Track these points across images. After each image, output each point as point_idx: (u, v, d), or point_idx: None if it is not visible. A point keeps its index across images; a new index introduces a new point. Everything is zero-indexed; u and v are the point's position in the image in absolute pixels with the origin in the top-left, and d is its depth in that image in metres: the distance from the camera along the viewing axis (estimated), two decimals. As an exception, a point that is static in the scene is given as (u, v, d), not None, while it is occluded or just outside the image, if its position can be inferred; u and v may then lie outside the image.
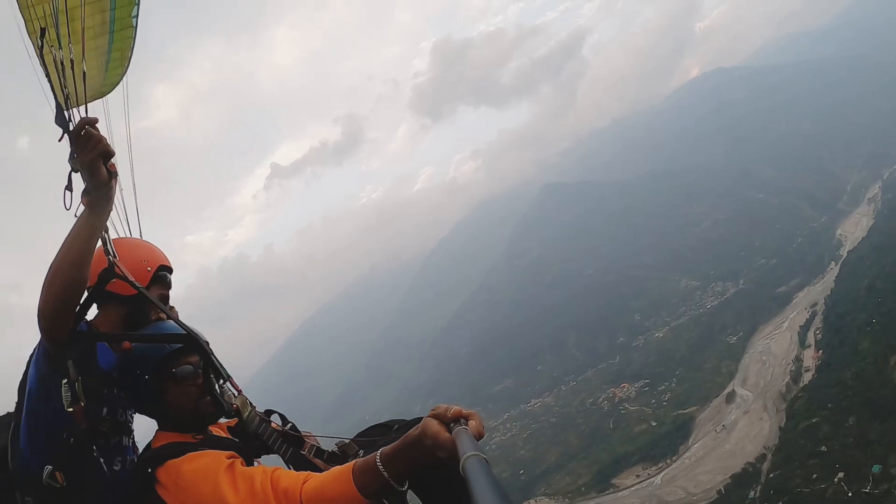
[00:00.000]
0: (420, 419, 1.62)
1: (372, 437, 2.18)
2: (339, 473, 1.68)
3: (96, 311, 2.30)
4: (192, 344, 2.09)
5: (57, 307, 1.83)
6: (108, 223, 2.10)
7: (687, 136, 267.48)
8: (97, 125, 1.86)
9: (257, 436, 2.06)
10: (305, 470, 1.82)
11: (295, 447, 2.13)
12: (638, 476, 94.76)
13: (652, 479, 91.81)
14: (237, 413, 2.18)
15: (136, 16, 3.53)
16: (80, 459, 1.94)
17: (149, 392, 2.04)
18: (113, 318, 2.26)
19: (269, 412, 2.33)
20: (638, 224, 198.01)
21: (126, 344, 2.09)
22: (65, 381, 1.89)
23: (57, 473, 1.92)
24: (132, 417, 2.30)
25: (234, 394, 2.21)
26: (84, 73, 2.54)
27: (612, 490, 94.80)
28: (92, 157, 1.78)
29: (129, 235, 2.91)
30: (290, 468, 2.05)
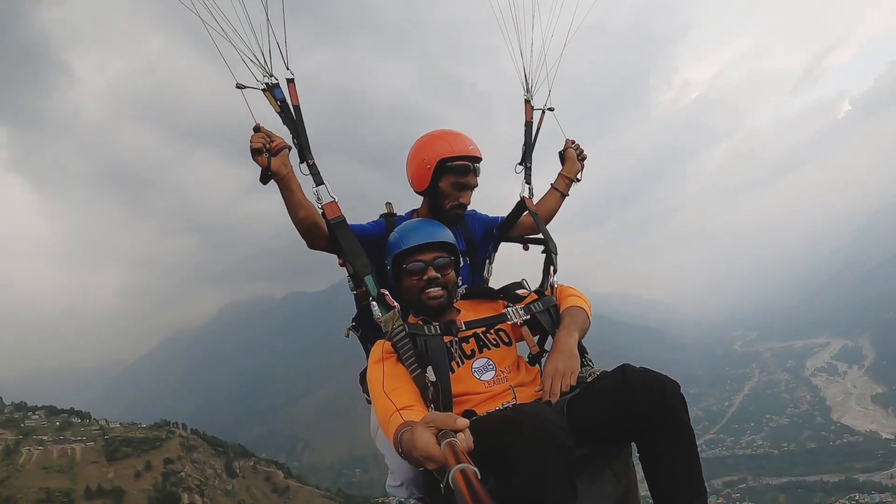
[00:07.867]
0: (629, 368, 1.82)
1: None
2: (399, 422, 1.78)
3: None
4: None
5: (303, 236, 2.56)
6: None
7: None
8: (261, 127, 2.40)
9: (397, 349, 2.18)
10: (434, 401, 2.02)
11: (423, 369, 2.12)
12: None
13: None
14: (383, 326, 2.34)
15: None
16: (366, 319, 2.71)
17: (392, 278, 2.51)
18: (426, 207, 2.87)
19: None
20: None
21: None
22: (347, 275, 2.61)
23: (356, 326, 2.86)
24: None
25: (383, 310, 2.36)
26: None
27: None
28: (252, 156, 2.34)
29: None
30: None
